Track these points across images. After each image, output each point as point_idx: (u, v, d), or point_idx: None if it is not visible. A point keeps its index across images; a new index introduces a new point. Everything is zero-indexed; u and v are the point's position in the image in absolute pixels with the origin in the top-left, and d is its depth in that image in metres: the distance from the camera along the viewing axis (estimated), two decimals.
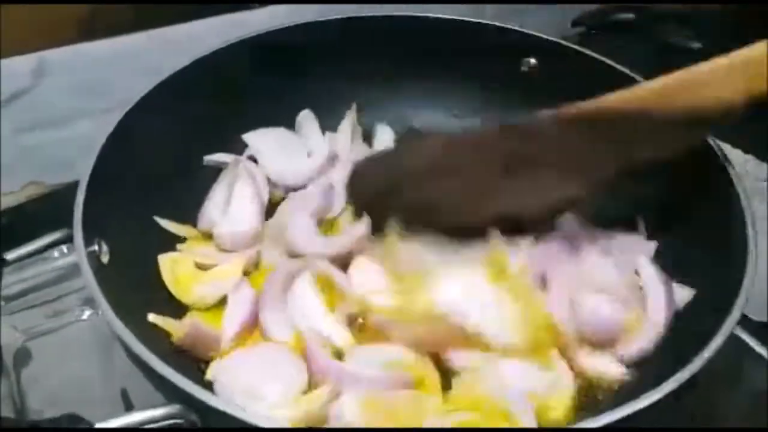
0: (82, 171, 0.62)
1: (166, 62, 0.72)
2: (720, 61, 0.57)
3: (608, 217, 0.70)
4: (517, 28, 0.81)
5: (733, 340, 0.54)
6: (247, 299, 0.64)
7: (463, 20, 0.82)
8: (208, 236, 0.71)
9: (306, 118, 0.82)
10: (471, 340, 0.61)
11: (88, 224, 0.58)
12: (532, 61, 0.82)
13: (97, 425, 0.49)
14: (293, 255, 0.69)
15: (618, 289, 0.64)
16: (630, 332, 0.62)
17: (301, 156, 0.79)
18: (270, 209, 0.74)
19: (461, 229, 0.65)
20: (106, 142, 0.64)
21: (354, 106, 0.83)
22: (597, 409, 0.59)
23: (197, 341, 0.61)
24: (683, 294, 0.65)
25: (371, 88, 0.83)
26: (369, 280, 0.65)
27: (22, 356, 0.69)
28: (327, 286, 0.65)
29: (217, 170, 0.76)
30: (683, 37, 1.03)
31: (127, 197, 0.66)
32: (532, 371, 0.60)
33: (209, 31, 0.86)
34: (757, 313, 0.72)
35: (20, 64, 0.79)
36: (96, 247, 0.59)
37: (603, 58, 0.77)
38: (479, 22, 0.82)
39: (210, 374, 0.60)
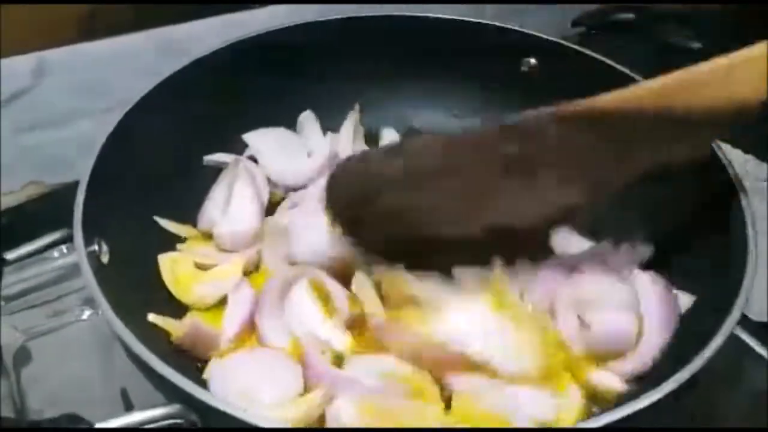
0: (82, 171, 0.62)
1: (166, 62, 0.72)
2: (720, 61, 0.56)
3: (604, 220, 0.69)
4: (517, 28, 0.81)
5: (733, 340, 0.54)
6: (247, 299, 0.64)
7: (463, 20, 0.82)
8: (208, 236, 0.71)
9: (307, 118, 0.82)
10: (475, 367, 0.59)
11: (88, 224, 0.58)
12: (532, 61, 0.82)
13: (97, 425, 0.49)
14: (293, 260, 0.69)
15: (621, 302, 0.62)
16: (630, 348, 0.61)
17: (302, 156, 0.79)
18: (270, 209, 0.74)
19: (455, 253, 0.60)
20: (106, 142, 0.64)
21: (357, 107, 0.83)
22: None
23: (197, 341, 0.61)
24: (683, 301, 0.64)
25: (371, 88, 0.83)
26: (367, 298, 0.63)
27: (22, 356, 0.69)
28: (324, 294, 0.65)
29: (217, 170, 0.76)
30: (683, 37, 1.03)
31: (127, 197, 0.66)
32: (542, 397, 0.58)
33: (209, 31, 0.86)
34: (757, 313, 0.72)
35: (20, 64, 0.79)
36: (96, 247, 0.59)
37: (603, 58, 0.77)
38: (479, 22, 0.82)
39: (206, 374, 0.59)
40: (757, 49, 0.54)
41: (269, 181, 0.77)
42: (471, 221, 0.58)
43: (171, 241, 0.70)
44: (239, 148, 0.78)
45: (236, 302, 0.64)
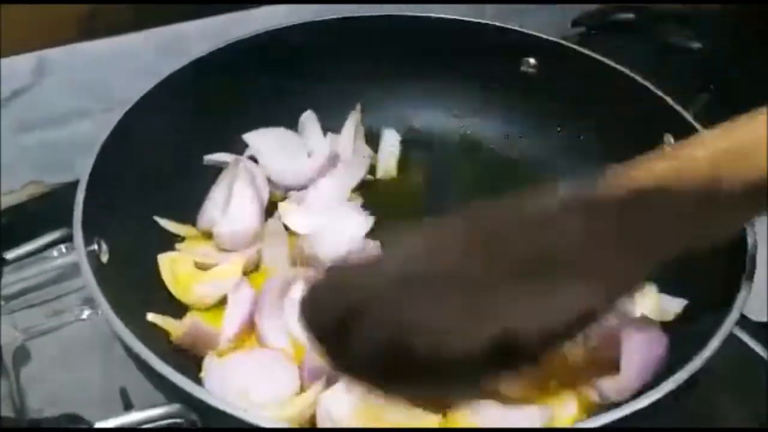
0: (81, 170, 0.62)
1: (166, 62, 0.72)
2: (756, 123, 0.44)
3: None
4: (517, 28, 0.81)
5: (732, 340, 0.54)
6: (247, 299, 0.64)
7: (463, 20, 0.82)
8: (208, 236, 0.71)
9: (309, 118, 0.82)
10: None
11: (87, 223, 0.58)
12: (532, 61, 0.82)
13: (97, 425, 0.49)
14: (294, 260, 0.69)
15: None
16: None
17: (302, 156, 0.79)
18: (270, 209, 0.74)
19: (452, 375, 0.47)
20: (105, 142, 0.64)
21: (358, 107, 0.83)
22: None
23: (197, 340, 0.61)
24: (673, 305, 0.64)
25: (371, 88, 0.83)
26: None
27: (22, 355, 0.69)
28: None
29: (217, 170, 0.76)
30: (683, 37, 1.02)
31: (126, 197, 0.66)
32: (536, 411, 0.58)
33: (209, 31, 0.86)
34: (756, 313, 0.72)
35: (20, 64, 0.79)
36: (96, 247, 0.59)
37: (603, 58, 0.77)
38: (479, 22, 0.82)
39: (203, 372, 0.59)
40: None
41: (269, 181, 0.77)
42: (470, 336, 0.46)
43: (171, 241, 0.70)
44: (239, 147, 0.78)
45: (236, 302, 0.64)
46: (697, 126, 0.69)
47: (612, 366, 0.60)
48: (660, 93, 0.73)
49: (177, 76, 0.72)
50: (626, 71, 0.75)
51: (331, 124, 0.82)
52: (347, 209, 0.75)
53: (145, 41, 0.84)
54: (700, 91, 0.93)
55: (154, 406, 0.50)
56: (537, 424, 0.57)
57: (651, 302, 0.64)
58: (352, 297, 0.47)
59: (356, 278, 0.49)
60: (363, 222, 0.73)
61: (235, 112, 0.78)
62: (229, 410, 0.48)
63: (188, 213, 0.73)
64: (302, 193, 0.76)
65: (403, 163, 0.83)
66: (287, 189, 0.77)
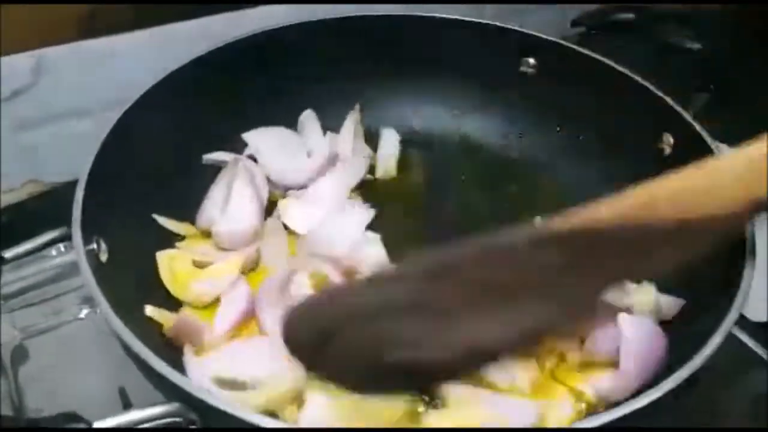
0: (81, 169, 0.62)
1: (166, 61, 0.72)
2: (718, 164, 0.50)
3: None
4: (517, 28, 0.81)
5: (732, 340, 0.54)
6: (242, 298, 0.64)
7: (463, 20, 0.82)
8: (207, 234, 0.71)
9: (308, 117, 0.82)
10: (467, 376, 0.58)
11: (86, 222, 0.58)
12: (532, 61, 0.82)
13: (95, 424, 0.48)
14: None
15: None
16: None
17: (301, 156, 0.79)
18: (269, 208, 0.74)
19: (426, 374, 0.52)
20: (105, 140, 0.64)
21: (357, 107, 0.83)
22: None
23: (181, 333, 0.61)
24: (672, 304, 0.64)
25: (370, 88, 0.83)
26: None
27: (20, 354, 0.69)
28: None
29: (217, 169, 0.76)
30: (683, 37, 1.02)
31: (126, 195, 0.66)
32: (533, 407, 0.58)
33: (209, 30, 0.86)
34: (755, 313, 0.72)
35: (20, 62, 0.79)
36: (95, 246, 0.59)
37: (603, 58, 0.77)
38: (479, 22, 0.82)
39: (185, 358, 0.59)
40: (756, 149, 0.49)
41: (269, 180, 0.77)
42: (442, 348, 0.51)
43: (170, 240, 0.70)
44: (239, 147, 0.78)
45: (230, 300, 0.64)
46: (697, 126, 0.69)
47: (611, 366, 0.60)
48: (660, 93, 0.73)
49: (176, 75, 0.72)
50: (626, 71, 0.75)
51: (330, 124, 0.82)
52: (347, 205, 0.75)
53: (144, 40, 0.84)
54: (699, 91, 0.94)
55: (153, 405, 0.50)
56: (532, 418, 0.57)
57: (650, 302, 0.64)
58: (331, 318, 0.51)
59: (331, 304, 0.54)
60: (364, 216, 0.73)
61: (235, 111, 0.78)
62: (228, 410, 0.48)
63: (187, 212, 0.73)
64: (301, 193, 0.76)
65: (402, 162, 0.83)
66: (286, 188, 0.77)
